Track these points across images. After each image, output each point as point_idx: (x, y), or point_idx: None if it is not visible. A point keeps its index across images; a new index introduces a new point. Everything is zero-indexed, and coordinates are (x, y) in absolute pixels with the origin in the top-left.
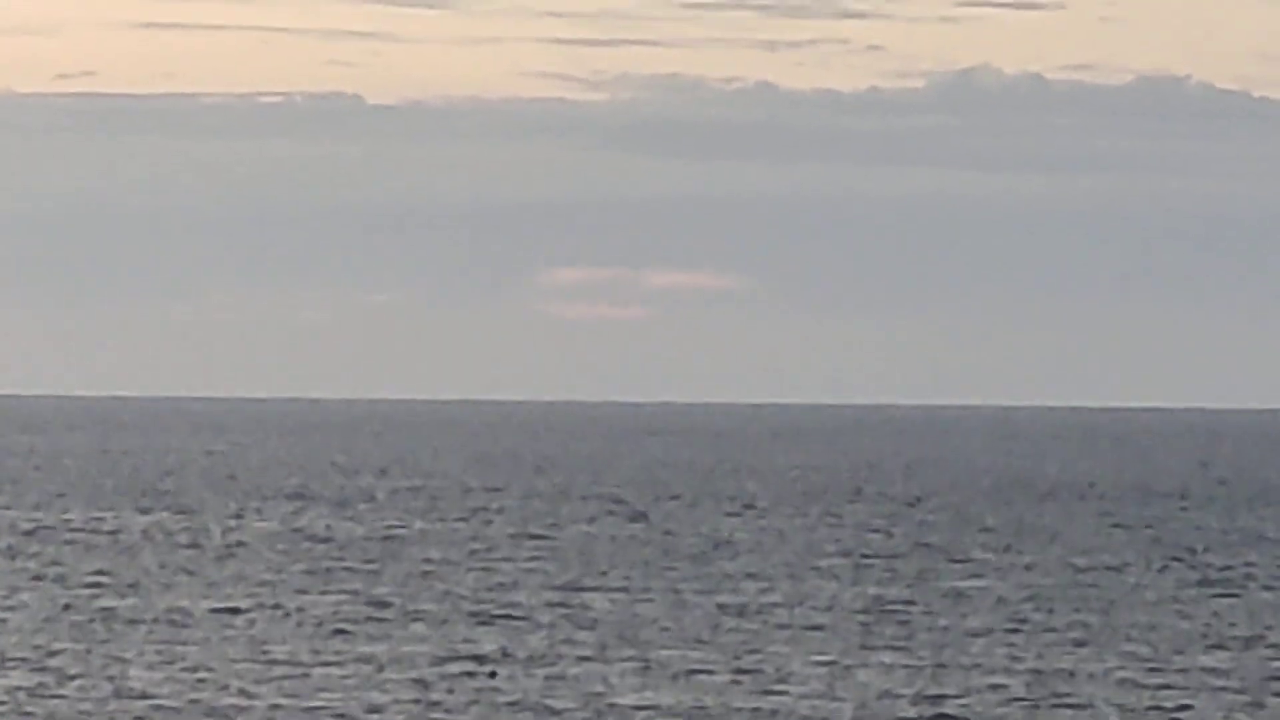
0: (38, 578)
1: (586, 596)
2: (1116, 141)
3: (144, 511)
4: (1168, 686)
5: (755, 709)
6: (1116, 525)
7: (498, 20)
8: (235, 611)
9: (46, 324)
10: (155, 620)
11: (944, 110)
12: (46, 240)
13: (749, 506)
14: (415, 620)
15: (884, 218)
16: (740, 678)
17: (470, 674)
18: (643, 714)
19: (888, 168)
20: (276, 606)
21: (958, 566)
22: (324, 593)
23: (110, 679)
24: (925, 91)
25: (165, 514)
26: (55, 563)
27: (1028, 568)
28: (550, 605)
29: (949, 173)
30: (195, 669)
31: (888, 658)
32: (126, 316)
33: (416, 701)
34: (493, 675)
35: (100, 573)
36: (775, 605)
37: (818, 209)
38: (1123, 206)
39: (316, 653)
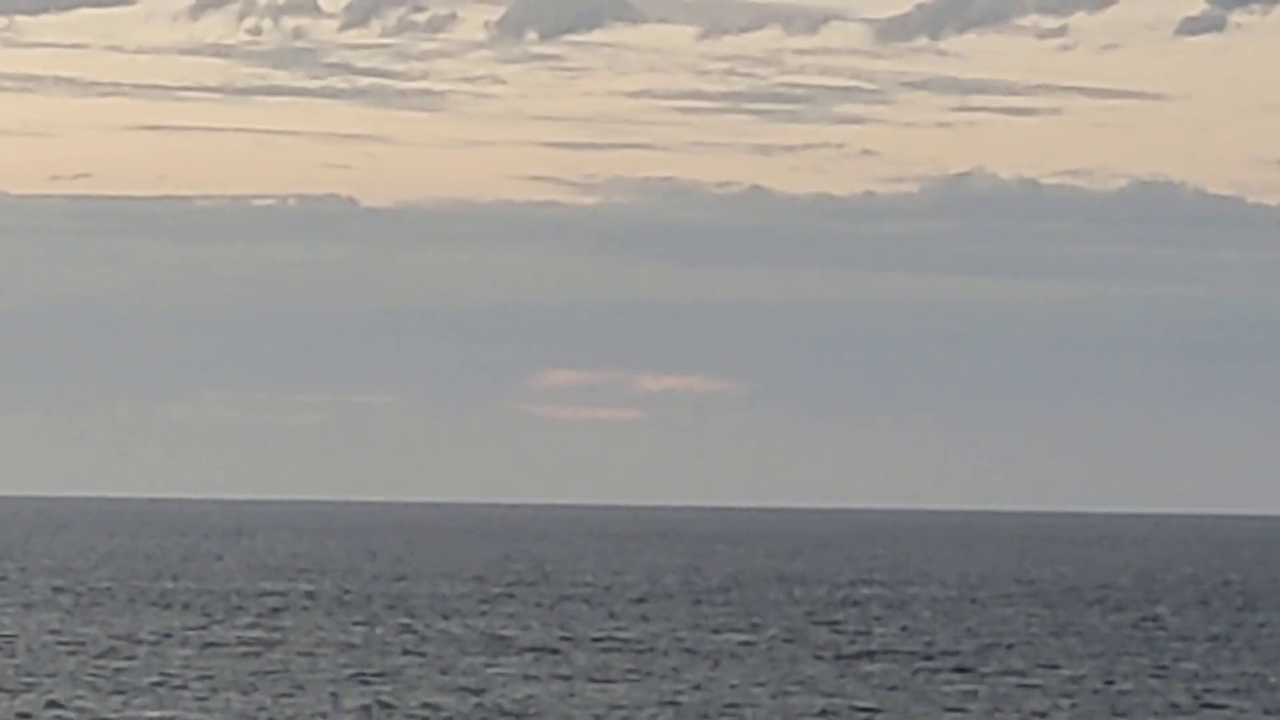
0: (14, 683)
1: (574, 697)
2: (1110, 247)
3: (129, 612)
4: None
5: None
6: (1102, 628)
7: (491, 124)
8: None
9: (39, 425)
10: None
11: (938, 215)
12: (40, 341)
13: (728, 606)
14: None
15: (877, 321)
16: None
17: None
18: None
19: (881, 272)
20: (244, 714)
21: (938, 667)
22: (299, 697)
23: None
24: (919, 196)
25: (147, 613)
26: (34, 664)
27: (1015, 670)
28: (524, 714)
29: (942, 277)
30: None
31: None
32: (120, 417)
33: None
34: None
35: (76, 673)
36: (754, 706)
37: (811, 313)
38: (1116, 311)
39: None
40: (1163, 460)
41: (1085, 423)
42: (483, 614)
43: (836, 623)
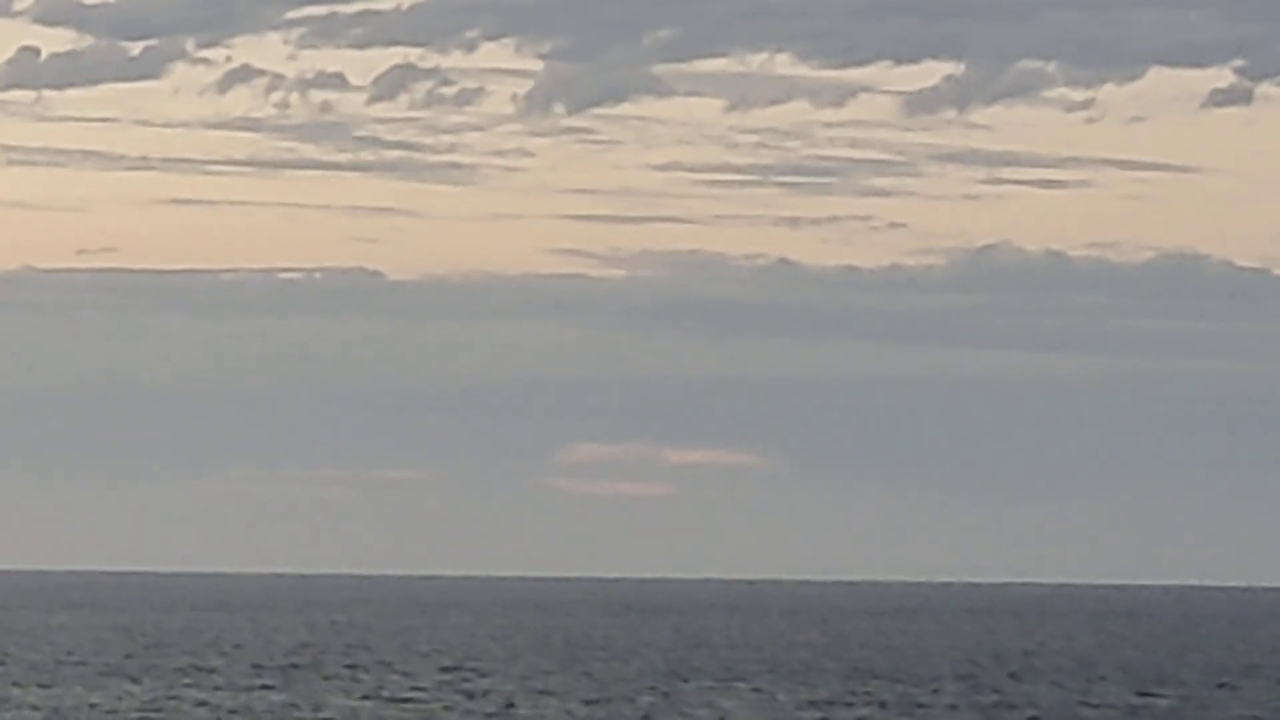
0: None
1: None
2: (1137, 319)
3: (141, 682)
4: None
5: None
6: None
7: (519, 197)
8: None
9: (67, 500)
10: None
11: (965, 288)
12: (66, 416)
13: (747, 685)
14: None
15: (904, 394)
16: None
17: None
18: None
19: (908, 345)
20: None
21: None
22: None
23: None
24: (947, 269)
25: (162, 687)
26: None
27: None
28: None
29: (969, 350)
30: None
31: None
32: (146, 492)
33: None
34: None
35: None
36: None
37: (838, 386)
38: (1145, 384)
39: None
40: (1193, 533)
41: (1114, 496)
42: (515, 690)
43: (850, 695)
